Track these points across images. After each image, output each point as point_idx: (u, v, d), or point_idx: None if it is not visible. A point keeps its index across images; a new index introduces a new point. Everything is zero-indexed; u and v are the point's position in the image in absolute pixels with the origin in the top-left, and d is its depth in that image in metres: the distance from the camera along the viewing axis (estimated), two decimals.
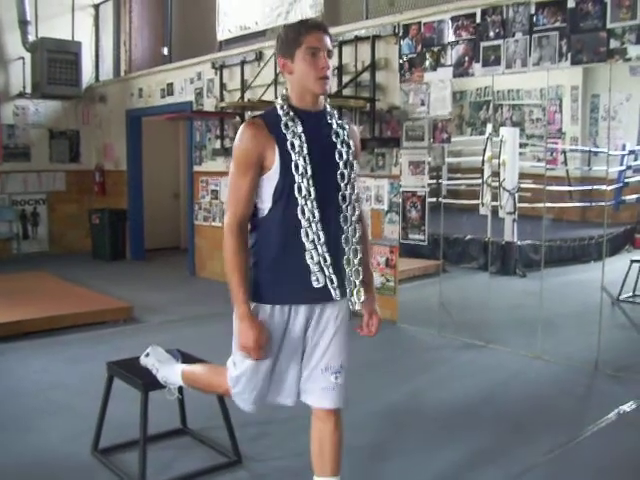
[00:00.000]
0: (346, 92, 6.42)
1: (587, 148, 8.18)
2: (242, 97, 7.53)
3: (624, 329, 5.30)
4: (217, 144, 8.28)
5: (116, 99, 10.43)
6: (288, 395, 2.53)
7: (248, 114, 7.64)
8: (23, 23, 9.90)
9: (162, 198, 10.99)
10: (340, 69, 6.52)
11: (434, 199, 6.01)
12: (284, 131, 2.31)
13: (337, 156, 2.41)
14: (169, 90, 9.15)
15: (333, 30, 6.71)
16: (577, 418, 3.95)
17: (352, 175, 2.43)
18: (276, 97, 6.90)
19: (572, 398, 4.35)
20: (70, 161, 10.89)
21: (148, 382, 3.13)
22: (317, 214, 2.32)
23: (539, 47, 5.03)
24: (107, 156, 10.80)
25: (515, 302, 6.37)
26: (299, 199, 2.31)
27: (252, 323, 2.33)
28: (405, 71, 6.01)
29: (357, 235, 2.46)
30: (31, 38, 9.95)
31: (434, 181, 6.13)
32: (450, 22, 5.62)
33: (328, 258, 2.36)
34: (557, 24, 4.91)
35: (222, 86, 8.08)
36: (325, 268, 2.36)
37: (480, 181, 6.73)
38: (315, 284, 2.36)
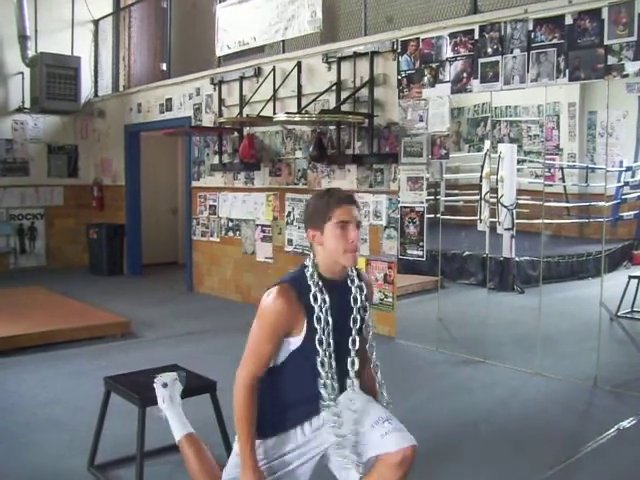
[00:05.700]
0: (344, 108, 6.44)
1: (584, 164, 8.19)
2: (241, 113, 7.55)
3: (623, 345, 5.29)
4: (215, 159, 8.28)
5: (115, 114, 10.45)
6: None
7: (247, 130, 7.67)
8: (23, 38, 9.95)
9: (160, 213, 11.00)
10: (338, 85, 6.55)
11: (432, 215, 6.02)
12: (312, 303, 2.37)
13: (352, 322, 2.49)
14: (168, 105, 9.18)
15: (331, 46, 6.79)
16: (577, 434, 3.94)
17: (362, 337, 2.51)
18: (274, 112, 6.93)
19: (571, 414, 4.33)
20: (68, 176, 10.91)
21: (145, 397, 3.11)
22: (334, 383, 2.41)
23: (537, 63, 5.05)
24: (105, 171, 10.81)
25: (513, 318, 6.35)
26: (320, 369, 2.38)
27: (254, 475, 2.36)
28: (403, 87, 6.03)
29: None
30: (30, 53, 10.00)
31: (432, 197, 6.14)
32: (448, 38, 5.65)
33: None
34: (555, 41, 4.94)
35: (221, 102, 8.10)
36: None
37: (478, 197, 6.74)
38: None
